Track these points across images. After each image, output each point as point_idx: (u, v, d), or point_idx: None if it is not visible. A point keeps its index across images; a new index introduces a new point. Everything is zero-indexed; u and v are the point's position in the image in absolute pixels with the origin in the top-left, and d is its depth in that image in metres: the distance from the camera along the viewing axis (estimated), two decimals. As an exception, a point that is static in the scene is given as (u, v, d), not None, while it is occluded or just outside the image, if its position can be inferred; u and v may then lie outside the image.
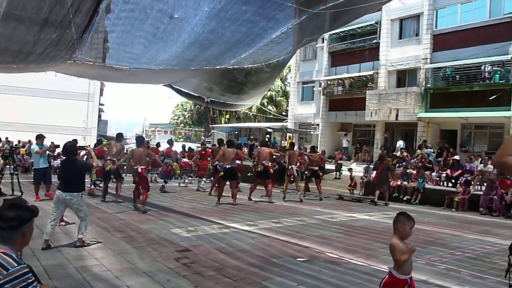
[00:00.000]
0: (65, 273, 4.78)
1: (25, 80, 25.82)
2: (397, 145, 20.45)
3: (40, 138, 11.35)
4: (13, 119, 28.99)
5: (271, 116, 37.40)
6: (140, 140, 11.04)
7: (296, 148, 18.39)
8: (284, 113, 36.82)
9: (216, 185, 12.09)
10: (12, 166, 12.25)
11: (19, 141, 24.71)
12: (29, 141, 26.23)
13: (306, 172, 14.16)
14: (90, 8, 6.88)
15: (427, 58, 20.96)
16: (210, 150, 14.84)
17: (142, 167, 9.89)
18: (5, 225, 2.28)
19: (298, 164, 14.36)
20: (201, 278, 4.68)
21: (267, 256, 5.72)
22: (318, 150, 22.28)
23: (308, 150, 15.58)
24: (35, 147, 11.19)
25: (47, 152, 11.92)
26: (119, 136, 12.18)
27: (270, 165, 12.68)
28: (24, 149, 24.20)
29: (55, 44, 8.44)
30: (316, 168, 13.97)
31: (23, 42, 8.54)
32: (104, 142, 15.68)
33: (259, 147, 13.94)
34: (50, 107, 30.39)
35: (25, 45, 8.71)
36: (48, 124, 29.98)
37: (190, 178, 16.90)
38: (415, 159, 16.60)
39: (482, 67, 18.62)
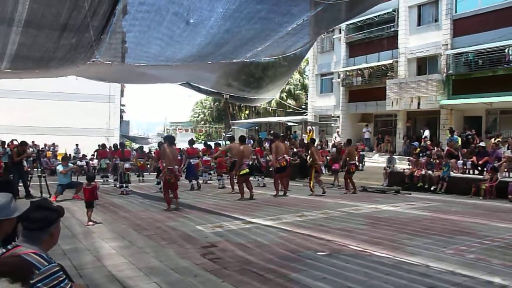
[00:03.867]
0: (96, 271, 4.88)
1: (48, 84, 26.39)
2: (424, 135, 20.12)
3: (64, 160, 12.19)
4: (38, 123, 29.69)
5: (290, 110, 37.28)
6: (171, 139, 10.71)
7: (317, 142, 18.34)
8: (303, 107, 36.66)
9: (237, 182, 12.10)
10: (39, 169, 12.58)
11: (45, 145, 25.33)
12: (53, 144, 26.87)
13: (348, 168, 13.43)
14: (107, 10, 6.98)
15: (447, 44, 20.55)
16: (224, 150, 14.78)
17: (177, 167, 9.97)
18: (33, 226, 2.35)
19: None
20: (228, 273, 4.72)
21: (291, 250, 5.72)
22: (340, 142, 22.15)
23: (333, 143, 15.48)
24: (60, 168, 11.77)
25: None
26: (171, 139, 10.82)
27: (289, 159, 12.67)
28: (50, 152, 24.75)
29: (75, 48, 8.60)
30: (355, 163, 13.59)
31: (44, 49, 8.73)
32: (127, 143, 15.97)
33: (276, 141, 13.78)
34: (73, 110, 31.02)
35: (46, 52, 8.90)
36: (72, 126, 30.64)
37: (210, 176, 17.01)
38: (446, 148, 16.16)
39: (506, 50, 18.16)
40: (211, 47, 9.22)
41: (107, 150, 17.46)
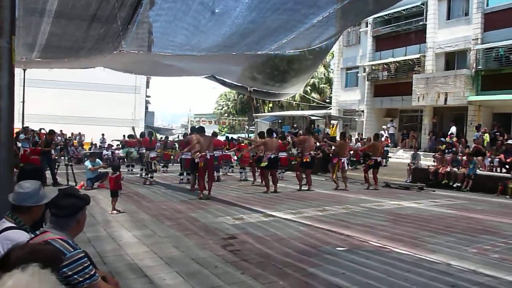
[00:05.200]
0: (118, 259, 5.01)
1: (76, 75, 27.00)
2: (450, 131, 19.71)
3: (93, 156, 12.65)
4: (66, 113, 30.40)
5: (314, 103, 37.05)
6: (202, 129, 11.22)
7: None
8: (327, 100, 36.37)
9: (260, 175, 12.14)
10: (66, 158, 12.91)
11: (72, 134, 25.92)
12: (79, 133, 27.47)
13: (368, 162, 13.53)
14: (135, 1, 7.10)
15: (477, 39, 20.02)
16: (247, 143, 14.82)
17: (211, 154, 10.22)
18: (61, 213, 2.43)
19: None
20: (248, 265, 4.77)
21: (310, 244, 5.73)
22: (364, 137, 21.93)
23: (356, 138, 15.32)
24: (88, 164, 12.03)
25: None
26: (202, 129, 11.18)
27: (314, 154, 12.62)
28: (76, 141, 25.32)
29: (103, 38, 8.78)
30: (380, 158, 13.45)
31: (74, 39, 8.94)
32: (147, 131, 16.26)
33: (303, 135, 13.63)
34: (100, 100, 31.62)
35: (75, 42, 9.12)
36: (99, 116, 31.26)
37: (231, 169, 17.11)
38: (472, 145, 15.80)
39: (539, 46, 17.56)
40: (236, 37, 9.25)
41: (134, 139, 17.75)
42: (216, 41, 9.38)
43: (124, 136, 22.04)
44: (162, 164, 17.86)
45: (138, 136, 13.92)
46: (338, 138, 15.02)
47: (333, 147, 14.00)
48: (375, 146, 13.24)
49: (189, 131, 14.80)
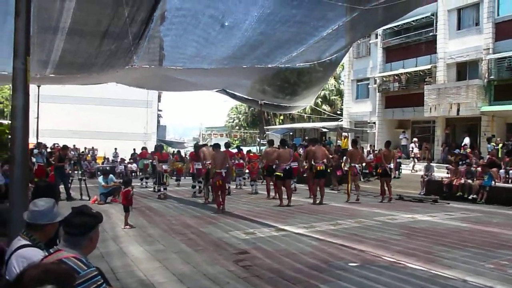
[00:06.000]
0: (130, 274, 5.02)
1: (89, 90, 27.35)
2: (464, 142, 19.47)
3: (106, 174, 12.60)
4: (79, 127, 30.81)
5: (325, 115, 36.99)
6: (218, 145, 11.31)
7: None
8: (338, 112, 36.29)
9: (273, 187, 12.08)
10: (80, 172, 13.04)
11: (85, 148, 26.21)
12: (92, 147, 27.77)
13: (378, 170, 13.40)
14: (145, 17, 7.22)
15: (489, 48, 19.87)
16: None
17: (225, 170, 10.33)
18: (74, 231, 2.46)
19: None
20: (260, 280, 4.74)
21: (322, 260, 5.68)
22: (376, 149, 21.80)
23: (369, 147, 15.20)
24: (101, 181, 12.17)
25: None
26: (217, 146, 11.39)
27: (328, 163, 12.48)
28: (89, 155, 25.58)
29: (114, 53, 8.92)
30: (390, 166, 13.18)
31: (86, 55, 9.10)
32: (158, 144, 16.41)
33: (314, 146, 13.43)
34: (112, 115, 32.02)
35: (88, 58, 9.28)
36: (111, 131, 31.59)
37: (244, 181, 16.96)
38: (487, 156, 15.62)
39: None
40: (246, 49, 9.33)
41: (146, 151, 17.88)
42: (226, 53, 9.47)
43: (134, 150, 22.21)
44: (175, 178, 17.96)
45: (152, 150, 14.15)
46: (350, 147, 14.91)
47: (344, 157, 13.91)
48: (385, 155, 13.11)
49: (193, 149, 14.82)
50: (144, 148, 18.27)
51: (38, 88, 17.88)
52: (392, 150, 13.65)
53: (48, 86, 18.48)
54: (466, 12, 21.69)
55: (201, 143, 35.91)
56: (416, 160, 21.01)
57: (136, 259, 5.71)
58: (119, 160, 24.61)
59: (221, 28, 8.09)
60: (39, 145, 15.48)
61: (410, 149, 21.88)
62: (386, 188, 12.63)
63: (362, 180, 16.51)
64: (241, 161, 16.25)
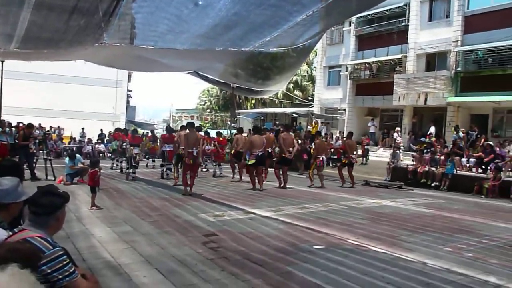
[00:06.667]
0: (97, 255, 4.99)
1: (56, 67, 26.58)
2: (429, 131, 20.05)
3: (72, 157, 12.15)
4: (45, 106, 29.87)
5: (297, 101, 37.19)
6: (192, 124, 11.55)
7: (323, 133, 18.31)
8: (310, 98, 36.56)
9: (247, 173, 12.14)
10: (45, 152, 12.71)
11: (50, 127, 25.48)
12: (58, 127, 27.05)
13: (342, 160, 13.69)
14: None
15: (458, 41, 20.41)
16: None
17: (196, 150, 10.27)
18: (40, 211, 2.42)
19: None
20: (227, 262, 4.80)
21: (288, 242, 5.79)
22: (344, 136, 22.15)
23: (337, 136, 15.44)
24: (67, 162, 11.91)
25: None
26: (192, 124, 11.57)
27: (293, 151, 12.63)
28: (55, 134, 24.91)
29: (83, 29, 8.66)
30: (354, 156, 13.56)
31: (54, 30, 8.79)
32: (132, 128, 16.09)
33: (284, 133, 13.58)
34: (80, 94, 31.13)
35: (55, 33, 8.97)
36: (79, 110, 30.79)
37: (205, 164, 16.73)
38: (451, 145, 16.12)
39: (517, 49, 17.98)
40: (220, 28, 9.23)
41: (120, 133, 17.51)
42: (199, 31, 9.34)
43: (101, 130, 21.75)
44: (148, 157, 17.86)
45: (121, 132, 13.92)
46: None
47: (313, 144, 14.12)
48: (350, 144, 13.40)
49: (165, 131, 14.79)
50: (118, 130, 17.82)
51: (2, 64, 17.15)
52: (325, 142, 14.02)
53: (13, 62, 17.75)
54: (438, 4, 22.13)
55: (171, 125, 35.58)
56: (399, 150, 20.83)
57: (102, 240, 5.66)
58: (86, 140, 24.09)
59: (195, 7, 7.98)
60: (2, 123, 14.94)
61: (394, 137, 21.59)
62: (347, 174, 13.03)
63: (330, 165, 16.83)
64: (208, 147, 16.13)
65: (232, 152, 13.63)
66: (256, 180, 11.39)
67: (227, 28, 9.29)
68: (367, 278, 4.37)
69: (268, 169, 13.47)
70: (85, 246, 5.34)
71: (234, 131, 18.01)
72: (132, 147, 13.34)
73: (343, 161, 13.47)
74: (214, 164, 15.20)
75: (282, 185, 11.93)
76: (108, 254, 5.04)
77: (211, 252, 5.20)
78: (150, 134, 19.56)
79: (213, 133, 18.30)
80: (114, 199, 9.11)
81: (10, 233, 2.41)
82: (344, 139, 15.62)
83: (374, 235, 6.37)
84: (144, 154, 18.27)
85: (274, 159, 13.04)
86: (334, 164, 17.76)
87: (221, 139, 15.77)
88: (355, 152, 13.57)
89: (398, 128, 22.36)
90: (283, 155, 11.98)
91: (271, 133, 15.11)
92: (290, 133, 13.74)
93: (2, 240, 2.32)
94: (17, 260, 1.56)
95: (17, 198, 2.80)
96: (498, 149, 14.17)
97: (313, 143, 14.78)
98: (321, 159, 12.62)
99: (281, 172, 12.11)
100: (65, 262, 2.29)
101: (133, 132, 14.75)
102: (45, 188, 2.58)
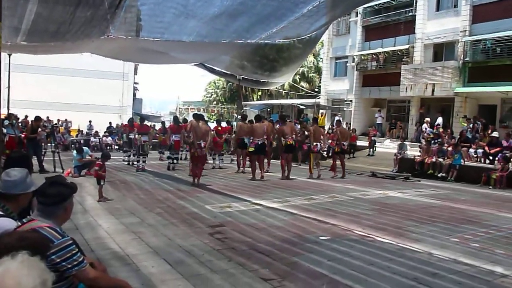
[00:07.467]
0: (105, 246, 5.04)
1: (63, 60, 26.64)
2: (436, 122, 19.89)
3: (79, 150, 12.16)
4: (53, 99, 30.01)
5: (303, 92, 37.08)
6: (202, 116, 11.59)
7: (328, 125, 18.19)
8: (316, 90, 36.42)
9: (249, 161, 12.20)
10: (53, 144, 12.82)
11: (58, 120, 25.67)
12: (66, 119, 27.22)
13: (335, 149, 13.66)
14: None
15: (466, 31, 20.15)
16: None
17: (204, 142, 10.46)
18: (49, 201, 2.45)
19: (329, 141, 14.31)
20: (234, 253, 4.84)
21: (295, 233, 5.82)
22: (351, 127, 22.09)
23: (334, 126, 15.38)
24: (75, 155, 11.99)
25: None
26: (201, 117, 11.57)
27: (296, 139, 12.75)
28: (62, 127, 25.10)
29: (89, 21, 8.68)
30: (346, 144, 13.56)
31: (60, 22, 8.81)
32: (139, 118, 16.21)
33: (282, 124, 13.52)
34: (87, 87, 31.22)
35: (62, 25, 8.99)
36: (86, 103, 30.92)
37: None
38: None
39: (526, 39, 17.74)
40: (225, 18, 9.20)
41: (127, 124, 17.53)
42: (204, 20, 9.32)
43: (110, 123, 21.83)
44: (159, 151, 17.99)
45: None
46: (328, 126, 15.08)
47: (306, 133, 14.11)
48: (341, 132, 13.34)
49: (173, 122, 15.00)
50: (130, 121, 17.82)
51: (9, 57, 17.26)
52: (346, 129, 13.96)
53: (21, 56, 17.86)
54: (445, -7, 21.85)
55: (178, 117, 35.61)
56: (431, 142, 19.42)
57: (110, 232, 5.72)
58: (93, 133, 24.24)
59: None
60: (10, 116, 15.07)
61: (423, 129, 20.15)
62: (338, 163, 13.13)
63: (326, 155, 16.74)
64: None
65: (236, 139, 13.75)
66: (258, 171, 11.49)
67: (233, 17, 9.26)
68: (373, 268, 4.39)
69: (271, 160, 13.55)
70: (92, 237, 5.40)
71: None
72: (140, 135, 13.45)
73: (336, 150, 13.48)
74: (213, 155, 14.89)
75: (286, 174, 11.94)
76: (116, 245, 5.09)
77: (217, 243, 5.24)
78: (161, 126, 19.58)
79: (223, 124, 18.28)
80: (121, 191, 9.18)
81: (19, 224, 2.45)
82: (334, 127, 15.50)
83: (380, 226, 6.38)
84: (151, 146, 18.31)
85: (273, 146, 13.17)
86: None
87: (219, 128, 15.74)
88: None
89: (427, 119, 20.64)
90: (288, 142, 11.95)
91: (277, 124, 15.11)
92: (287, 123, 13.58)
93: (11, 230, 2.35)
94: (26, 248, 1.60)
95: (26, 189, 2.85)
96: (505, 140, 14.06)
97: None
98: (316, 144, 12.60)
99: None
100: (74, 252, 2.33)
101: (140, 120, 14.85)
102: (53, 178, 2.62)
